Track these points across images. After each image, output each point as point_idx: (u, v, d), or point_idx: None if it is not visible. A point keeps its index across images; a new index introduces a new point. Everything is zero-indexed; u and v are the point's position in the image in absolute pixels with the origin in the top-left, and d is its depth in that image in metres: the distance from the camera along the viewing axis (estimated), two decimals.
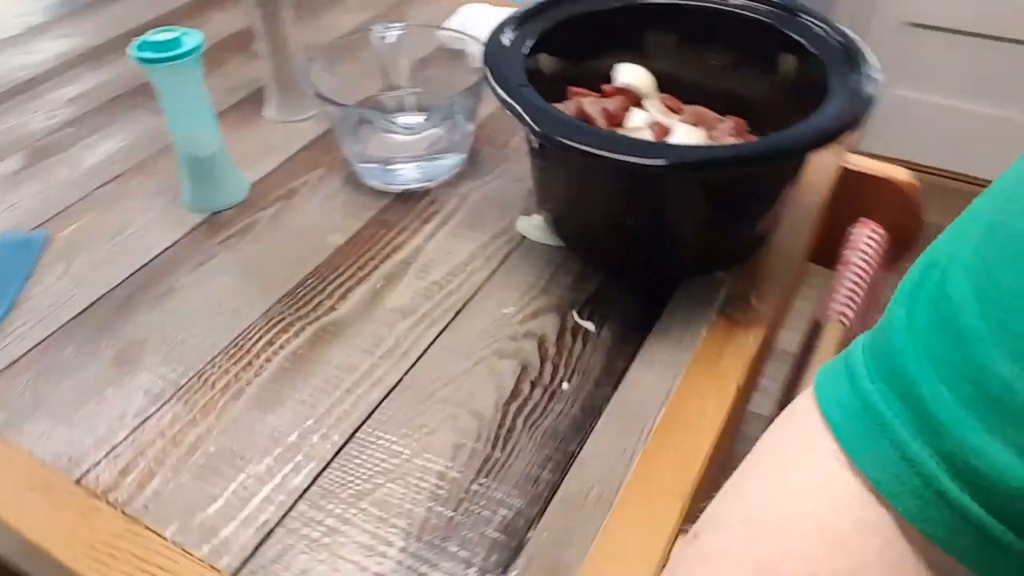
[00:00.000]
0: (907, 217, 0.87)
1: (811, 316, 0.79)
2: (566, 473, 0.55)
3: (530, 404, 0.60)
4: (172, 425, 0.59)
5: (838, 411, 0.30)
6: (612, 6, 0.75)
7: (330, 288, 0.70)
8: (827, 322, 0.76)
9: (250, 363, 0.63)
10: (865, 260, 0.83)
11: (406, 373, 0.62)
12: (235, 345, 0.65)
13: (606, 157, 0.56)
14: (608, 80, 0.77)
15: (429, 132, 0.77)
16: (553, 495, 0.54)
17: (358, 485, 0.54)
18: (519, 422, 0.59)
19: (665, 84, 0.76)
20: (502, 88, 0.63)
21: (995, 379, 0.24)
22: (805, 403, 0.32)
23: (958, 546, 0.27)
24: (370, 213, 0.79)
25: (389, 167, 0.82)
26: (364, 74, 0.88)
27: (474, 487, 0.54)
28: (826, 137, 0.56)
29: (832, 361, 0.32)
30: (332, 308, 0.68)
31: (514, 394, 0.61)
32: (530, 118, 0.59)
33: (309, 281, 0.71)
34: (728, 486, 0.34)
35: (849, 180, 0.86)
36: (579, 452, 0.56)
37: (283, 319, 0.67)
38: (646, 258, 0.70)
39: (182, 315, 0.68)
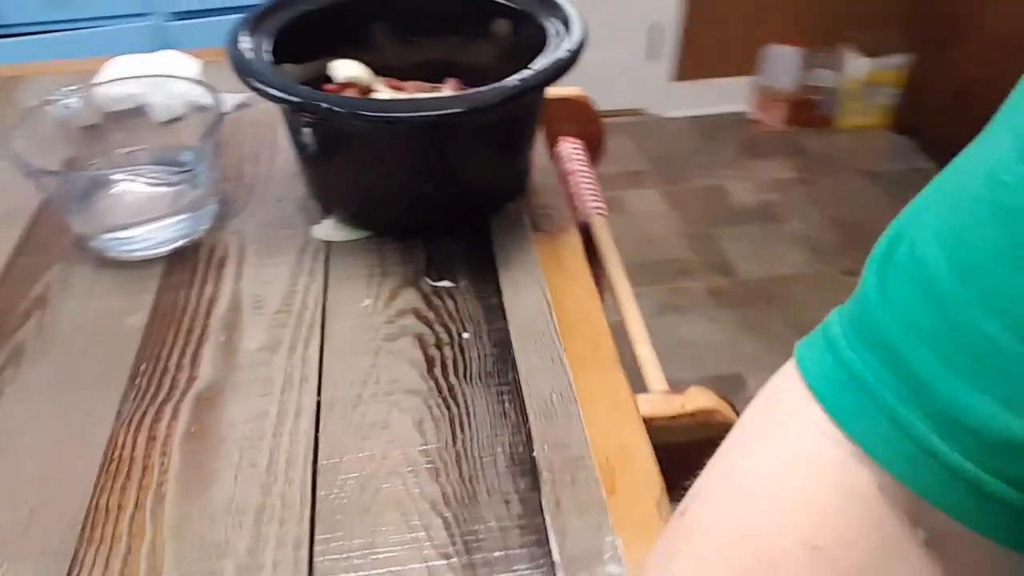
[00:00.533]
0: (591, 125, 1.05)
1: (576, 220, 0.92)
2: (521, 395, 0.60)
3: (450, 362, 0.63)
4: None
5: (824, 383, 0.30)
6: (324, 4, 0.77)
7: (173, 363, 0.64)
8: (592, 219, 0.90)
9: (146, 467, 0.56)
10: (582, 165, 0.99)
11: (319, 392, 0.61)
12: (111, 461, 0.56)
13: (401, 117, 0.61)
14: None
15: (178, 182, 0.72)
16: (526, 416, 0.58)
17: (363, 502, 0.53)
18: (453, 380, 0.61)
19: (391, 69, 0.81)
20: (281, 90, 0.63)
21: (977, 336, 0.26)
22: (786, 380, 0.33)
23: (954, 504, 0.28)
24: (153, 283, 0.72)
25: (136, 232, 0.75)
26: (47, 146, 0.78)
27: (459, 445, 0.56)
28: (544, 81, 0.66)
29: (810, 336, 0.33)
30: (193, 378, 0.62)
31: (430, 361, 0.63)
32: (325, 103, 0.61)
33: (143, 367, 0.64)
34: (713, 462, 0.34)
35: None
36: (518, 376, 0.61)
37: (145, 413, 0.60)
38: (450, 210, 0.76)
39: (12, 468, 0.56)
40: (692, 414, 0.65)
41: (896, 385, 0.28)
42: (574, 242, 0.75)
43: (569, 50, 0.68)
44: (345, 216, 0.76)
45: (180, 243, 0.76)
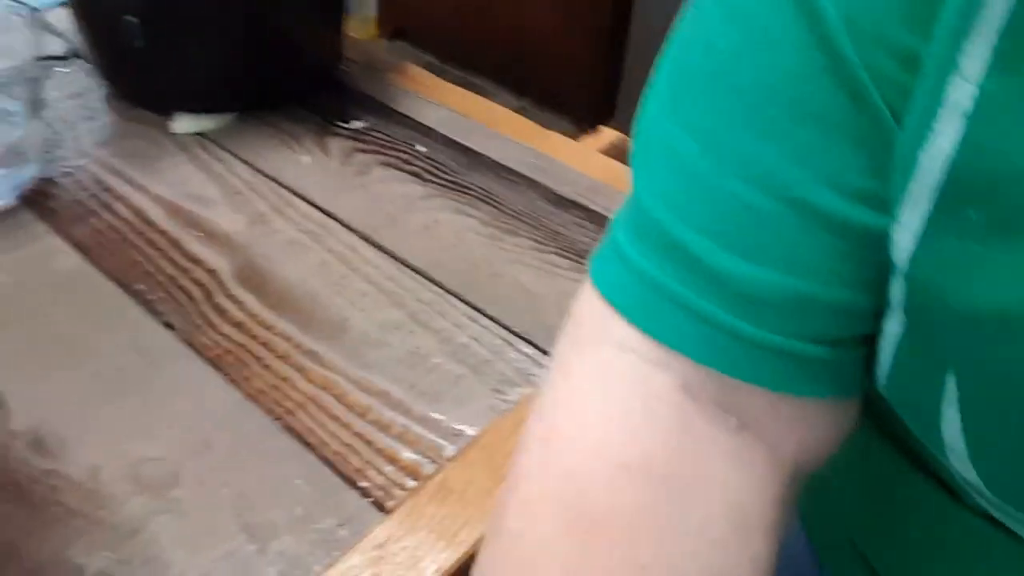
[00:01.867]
0: None
1: None
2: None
3: (432, 168, 0.68)
4: None
5: (620, 292, 0.30)
6: None
7: (174, 272, 0.57)
8: None
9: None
10: None
11: (351, 230, 0.61)
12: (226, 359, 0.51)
13: None
14: None
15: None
16: None
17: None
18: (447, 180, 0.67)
19: None
20: None
21: (734, 203, 0.26)
22: (585, 299, 0.32)
23: (762, 374, 0.28)
24: (38, 227, 0.60)
25: None
26: None
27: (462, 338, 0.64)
28: None
29: (600, 248, 0.32)
30: (212, 269, 0.57)
31: (416, 176, 0.67)
32: None
33: (145, 293, 0.55)
34: (531, 410, 0.33)
35: None
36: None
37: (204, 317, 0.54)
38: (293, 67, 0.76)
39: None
40: None
41: (684, 275, 0.28)
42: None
43: None
44: (199, 99, 0.71)
45: (20, 190, 0.62)
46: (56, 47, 0.75)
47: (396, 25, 2.51)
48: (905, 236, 0.24)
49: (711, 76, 0.27)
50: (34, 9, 0.61)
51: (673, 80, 0.29)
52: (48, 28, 0.72)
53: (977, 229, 0.23)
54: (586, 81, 2.23)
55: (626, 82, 2.06)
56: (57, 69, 0.75)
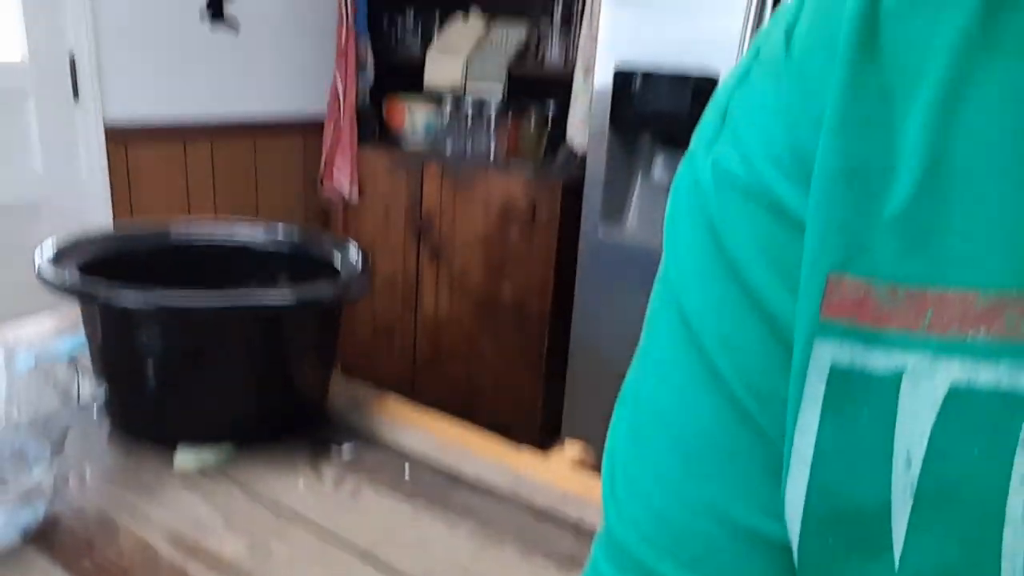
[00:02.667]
0: None
1: None
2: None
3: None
4: None
5: None
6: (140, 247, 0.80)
7: None
8: None
9: None
10: None
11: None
12: None
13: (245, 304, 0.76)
14: None
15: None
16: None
17: None
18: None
19: None
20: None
21: (690, 530, 0.33)
22: None
23: None
24: (41, 560, 0.62)
25: None
26: None
27: None
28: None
29: (585, 571, 0.38)
30: None
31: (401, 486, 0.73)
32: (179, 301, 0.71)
33: None
34: None
35: None
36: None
37: None
38: (288, 405, 0.85)
39: None
40: None
41: None
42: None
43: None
44: (202, 433, 0.78)
45: (29, 530, 0.66)
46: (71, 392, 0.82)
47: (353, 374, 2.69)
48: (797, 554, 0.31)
49: (655, 427, 0.35)
50: (71, 358, 0.69)
51: (630, 426, 0.36)
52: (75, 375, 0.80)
53: (837, 549, 0.29)
54: (532, 407, 2.38)
55: (569, 403, 2.21)
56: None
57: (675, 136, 1.92)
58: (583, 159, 2.10)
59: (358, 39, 2.64)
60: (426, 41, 2.72)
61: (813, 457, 0.29)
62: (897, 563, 0.26)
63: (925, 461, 0.25)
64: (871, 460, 0.27)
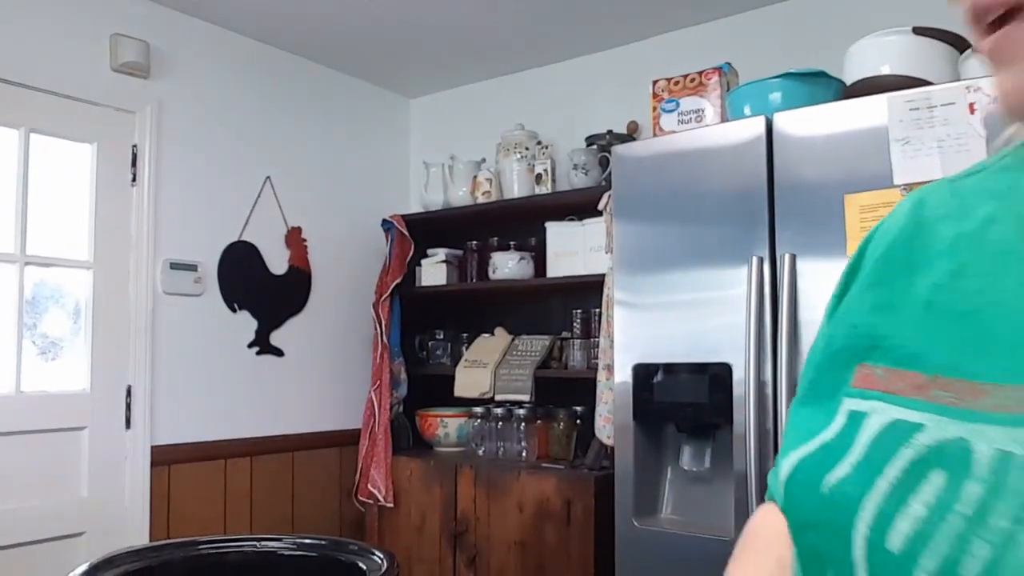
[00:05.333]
0: None
1: None
2: None
3: None
4: None
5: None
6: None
7: None
8: None
9: None
10: None
11: None
12: None
13: None
14: None
15: None
16: None
17: None
18: None
19: None
20: None
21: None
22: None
23: None
24: None
25: None
26: None
27: None
28: None
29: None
30: None
31: None
32: None
33: None
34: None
35: None
36: None
37: None
38: None
39: None
40: None
41: None
42: None
43: None
44: None
45: None
46: None
47: None
48: None
49: None
50: None
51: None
52: None
53: None
54: None
55: None
56: None
57: (698, 422, 1.97)
58: (613, 452, 2.13)
59: (392, 358, 2.84)
60: (455, 357, 2.91)
61: None
62: None
63: None
64: None
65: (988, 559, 0.34)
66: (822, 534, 0.41)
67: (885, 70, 1.74)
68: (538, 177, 2.73)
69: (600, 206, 2.26)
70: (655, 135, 2.10)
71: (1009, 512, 0.33)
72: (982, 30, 0.42)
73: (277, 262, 2.82)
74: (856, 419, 0.42)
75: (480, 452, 2.63)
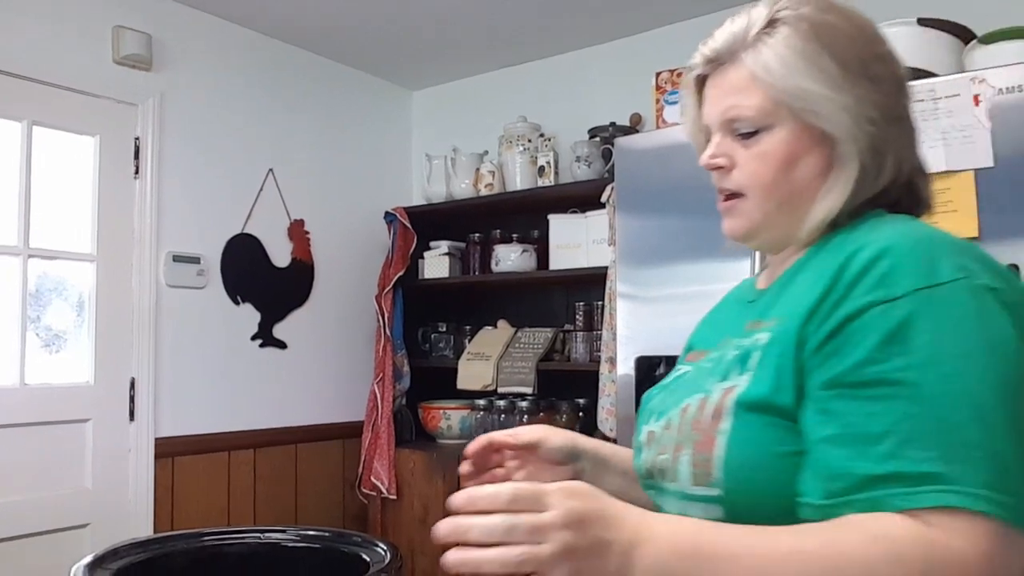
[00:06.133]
0: None
1: None
2: None
3: None
4: None
5: None
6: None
7: None
8: None
9: None
10: None
11: None
12: None
13: None
14: None
15: None
16: None
17: None
18: None
19: None
20: None
21: None
22: None
23: None
24: None
25: None
26: None
27: None
28: None
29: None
30: None
31: None
32: None
33: None
34: None
35: None
36: None
37: None
38: None
39: None
40: None
41: None
42: None
43: None
44: None
45: None
46: None
47: None
48: None
49: None
50: None
51: None
52: None
53: None
54: None
55: None
56: None
57: None
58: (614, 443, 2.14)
59: (395, 351, 2.84)
60: (458, 349, 2.91)
61: None
62: None
63: None
64: None
65: (666, 399, 0.78)
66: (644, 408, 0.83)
67: None
68: (541, 169, 2.72)
69: (603, 198, 2.26)
70: (658, 127, 2.09)
71: (676, 386, 0.80)
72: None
73: (280, 254, 2.82)
74: (678, 371, 0.84)
75: None
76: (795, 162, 0.72)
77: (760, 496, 0.62)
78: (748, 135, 0.73)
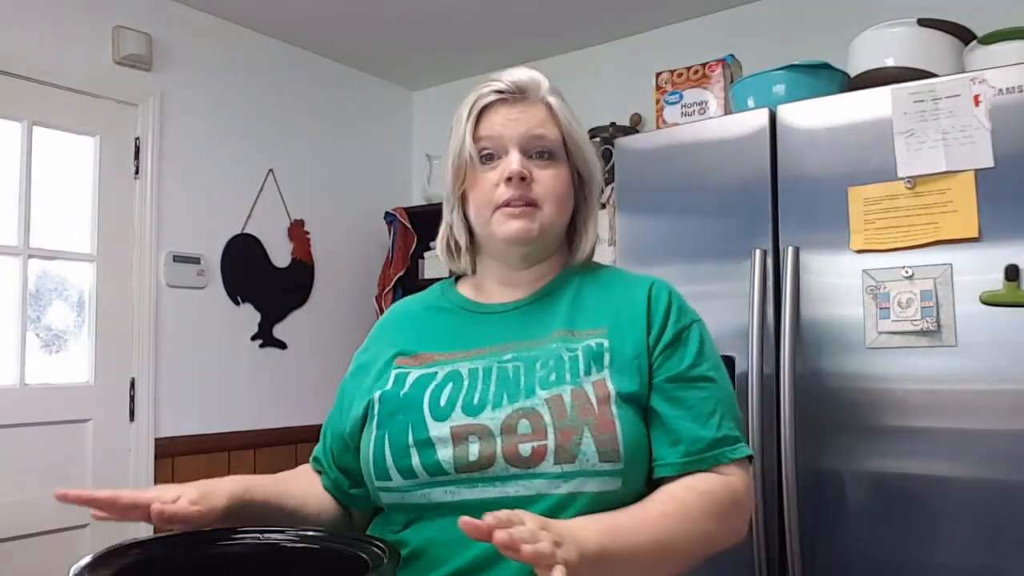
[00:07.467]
0: None
1: None
2: None
3: None
4: None
5: None
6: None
7: None
8: None
9: None
10: None
11: None
12: None
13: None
14: None
15: None
16: None
17: None
18: None
19: None
20: None
21: None
22: None
23: None
24: None
25: None
26: None
27: None
28: None
29: None
30: None
31: None
32: None
33: None
34: None
35: None
36: None
37: None
38: None
39: None
40: None
41: None
42: None
43: None
44: None
45: None
46: None
47: None
48: None
49: None
50: None
51: None
52: None
53: None
54: None
55: None
56: None
57: None
58: None
59: None
60: None
61: None
62: None
63: None
64: None
65: (483, 396, 0.87)
66: (400, 415, 0.87)
67: (889, 62, 1.73)
68: None
69: (603, 198, 2.26)
70: (658, 127, 2.09)
71: (482, 385, 0.88)
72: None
73: (280, 255, 2.82)
74: (400, 375, 0.92)
75: None
76: (570, 189, 0.95)
77: (640, 465, 0.84)
78: (546, 157, 0.93)
